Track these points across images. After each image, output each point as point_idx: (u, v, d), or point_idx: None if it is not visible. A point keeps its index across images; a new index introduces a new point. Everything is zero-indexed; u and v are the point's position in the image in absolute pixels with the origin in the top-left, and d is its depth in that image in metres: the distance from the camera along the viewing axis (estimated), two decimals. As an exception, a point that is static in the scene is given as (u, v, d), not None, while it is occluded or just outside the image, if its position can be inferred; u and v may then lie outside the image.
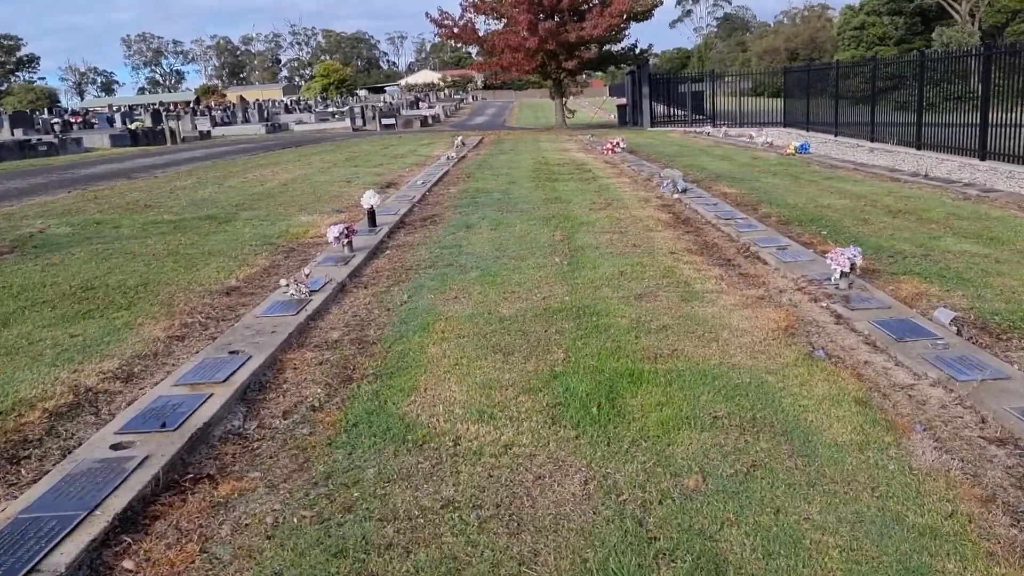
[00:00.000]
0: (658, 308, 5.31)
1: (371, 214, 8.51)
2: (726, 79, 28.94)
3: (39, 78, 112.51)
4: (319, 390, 4.00)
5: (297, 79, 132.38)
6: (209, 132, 34.67)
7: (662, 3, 31.00)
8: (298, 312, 5.25)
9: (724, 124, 27.12)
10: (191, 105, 64.10)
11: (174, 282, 6.40)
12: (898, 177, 12.44)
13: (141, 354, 4.64)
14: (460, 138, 22.22)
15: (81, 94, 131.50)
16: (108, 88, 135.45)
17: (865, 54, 47.91)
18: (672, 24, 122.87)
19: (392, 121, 39.60)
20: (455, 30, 30.52)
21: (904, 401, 3.75)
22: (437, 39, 37.60)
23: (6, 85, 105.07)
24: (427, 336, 4.81)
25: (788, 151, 17.17)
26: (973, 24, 42.52)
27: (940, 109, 14.34)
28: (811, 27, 68.58)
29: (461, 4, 30.32)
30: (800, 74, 22.97)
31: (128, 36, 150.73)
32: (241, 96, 48.65)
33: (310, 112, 49.54)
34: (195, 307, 5.66)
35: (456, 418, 3.60)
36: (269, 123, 41.22)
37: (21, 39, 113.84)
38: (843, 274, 5.63)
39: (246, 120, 43.71)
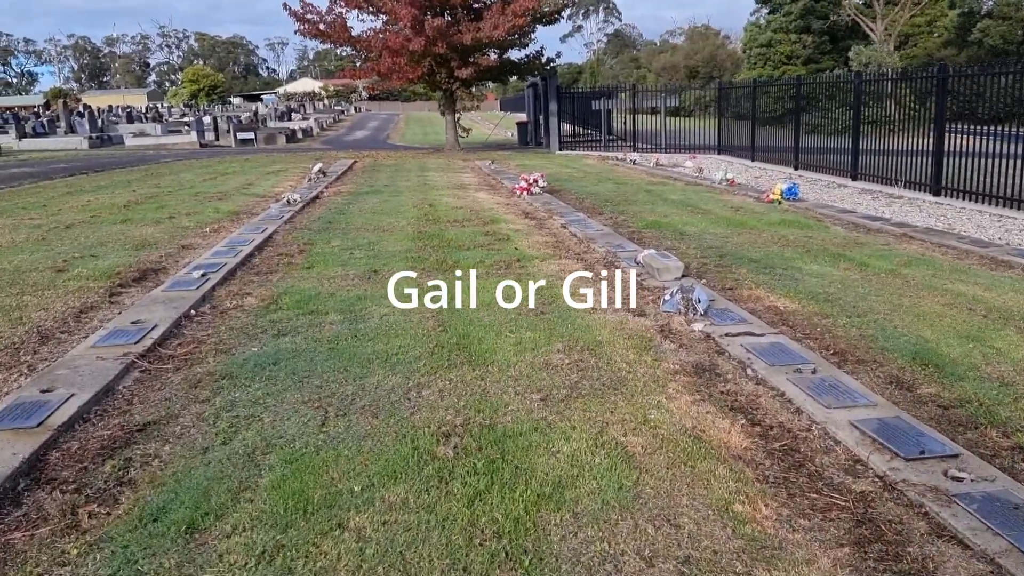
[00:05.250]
0: None
1: None
2: (643, 93, 24.29)
3: None
4: None
5: (167, 84, 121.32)
6: (-1, 147, 27.03)
7: (572, 4, 26.09)
8: None
9: (650, 149, 22.39)
10: (37, 109, 54.67)
11: None
12: (1010, 260, 7.67)
13: None
14: (319, 166, 16.31)
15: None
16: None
17: (773, 73, 44.99)
18: (563, 39, 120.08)
19: (251, 135, 32.95)
20: (321, 27, 24.31)
21: None
22: (300, 38, 31.07)
23: None
24: None
25: (772, 196, 12.33)
26: (888, 43, 40.15)
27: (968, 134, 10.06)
28: (710, 44, 66.28)
29: (328, -6, 24.24)
30: (744, 91, 18.45)
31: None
32: (65, 101, 40.51)
33: (158, 122, 41.85)
34: None
35: None
36: (99, 135, 33.72)
37: None
38: None
39: (71, 130, 35.90)
